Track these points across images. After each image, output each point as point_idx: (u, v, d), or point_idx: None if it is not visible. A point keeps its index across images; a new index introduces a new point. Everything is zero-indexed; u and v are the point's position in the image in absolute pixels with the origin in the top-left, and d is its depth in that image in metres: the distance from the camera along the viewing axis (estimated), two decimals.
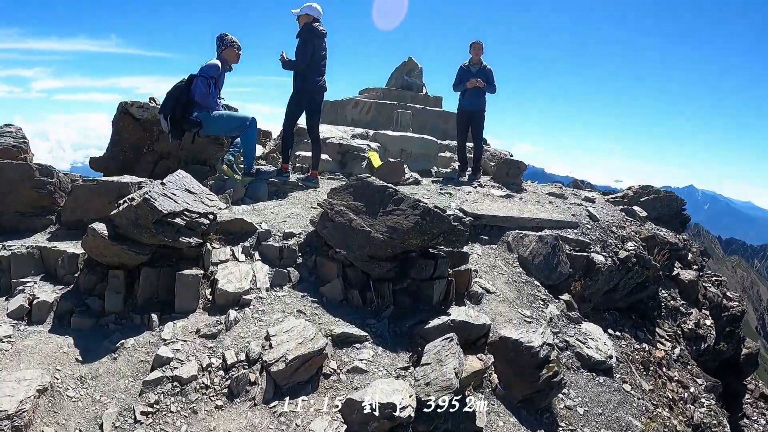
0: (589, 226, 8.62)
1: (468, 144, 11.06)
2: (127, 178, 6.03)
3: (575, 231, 8.32)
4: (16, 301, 4.90)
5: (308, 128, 8.26)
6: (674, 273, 9.95)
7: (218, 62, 7.43)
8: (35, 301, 4.84)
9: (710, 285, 10.84)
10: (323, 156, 9.60)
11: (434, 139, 11.42)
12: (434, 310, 5.45)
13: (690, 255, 10.75)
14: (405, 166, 9.57)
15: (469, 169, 10.88)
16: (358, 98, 13.56)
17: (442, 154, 11.83)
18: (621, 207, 10.59)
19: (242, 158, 7.73)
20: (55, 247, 5.35)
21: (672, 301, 9.57)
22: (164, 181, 5.11)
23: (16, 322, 4.78)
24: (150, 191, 4.86)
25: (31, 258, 5.29)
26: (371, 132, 11.80)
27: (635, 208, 10.53)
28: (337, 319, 5.04)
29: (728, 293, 11.06)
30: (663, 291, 9.49)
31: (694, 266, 10.74)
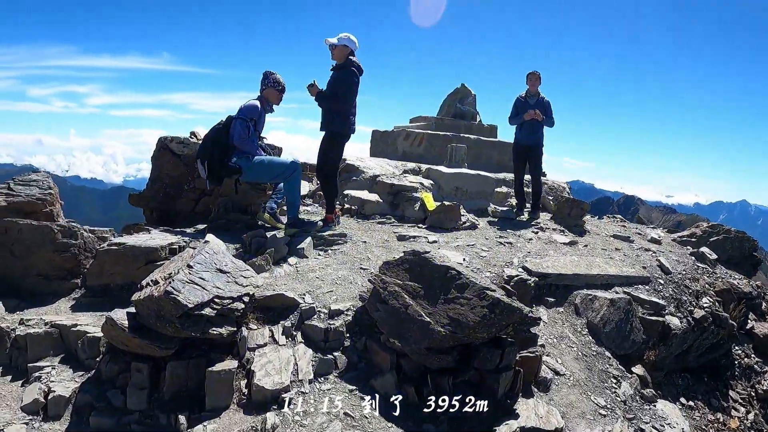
0: (662, 281, 7.81)
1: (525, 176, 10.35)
2: (157, 239, 5.47)
3: (647, 287, 7.54)
4: (31, 392, 4.35)
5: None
6: (748, 326, 9.09)
7: (257, 103, 6.85)
8: (51, 396, 4.28)
9: None
10: (373, 197, 8.94)
11: (490, 175, 10.58)
12: (499, 404, 4.76)
13: (764, 304, 9.84)
14: (461, 207, 8.84)
15: (528, 204, 10.17)
16: (410, 129, 12.67)
17: (498, 189, 11.01)
18: (689, 249, 9.77)
19: (285, 206, 7.15)
20: (76, 326, 4.78)
21: (746, 359, 8.73)
22: (191, 263, 4.47)
23: (30, 417, 4.24)
24: (174, 278, 4.23)
25: (50, 338, 4.74)
26: (424, 167, 10.96)
27: (704, 250, 9.68)
28: (390, 424, 4.38)
29: None
30: (736, 347, 8.66)
31: None
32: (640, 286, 7.50)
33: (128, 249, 5.17)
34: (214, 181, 6.86)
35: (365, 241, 7.25)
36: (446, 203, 8.62)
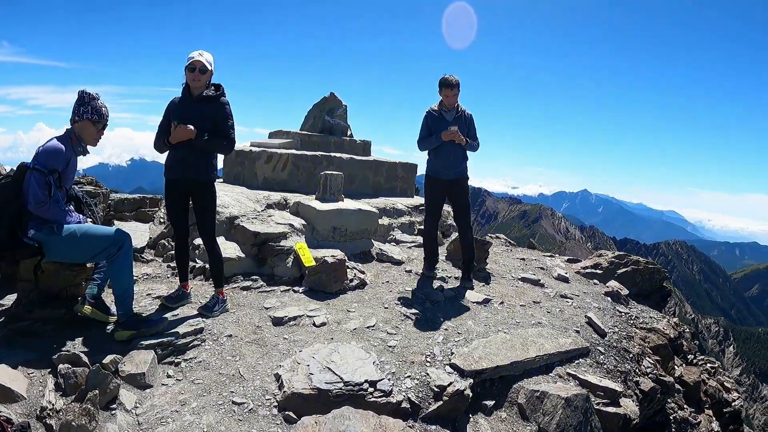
0: (601, 349, 6.35)
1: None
2: None
3: (589, 361, 6.05)
4: None
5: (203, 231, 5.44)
6: (677, 374, 8.00)
7: (61, 145, 4.37)
8: None
9: (707, 376, 9.01)
10: (233, 250, 6.74)
11: (375, 210, 8.30)
12: None
13: (685, 344, 8.85)
14: (346, 261, 6.85)
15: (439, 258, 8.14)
16: (271, 149, 10.14)
17: (381, 221, 8.96)
18: (597, 284, 8.70)
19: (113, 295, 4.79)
20: None
21: (679, 411, 7.61)
22: None
23: None
24: None
25: None
26: (291, 199, 8.60)
27: (615, 285, 8.57)
28: None
29: (725, 382, 9.26)
30: (668, 400, 7.54)
31: (690, 356, 8.89)
32: (581, 360, 5.99)
33: None
34: (4, 263, 4.42)
35: (230, 335, 5.06)
36: (328, 260, 6.55)
